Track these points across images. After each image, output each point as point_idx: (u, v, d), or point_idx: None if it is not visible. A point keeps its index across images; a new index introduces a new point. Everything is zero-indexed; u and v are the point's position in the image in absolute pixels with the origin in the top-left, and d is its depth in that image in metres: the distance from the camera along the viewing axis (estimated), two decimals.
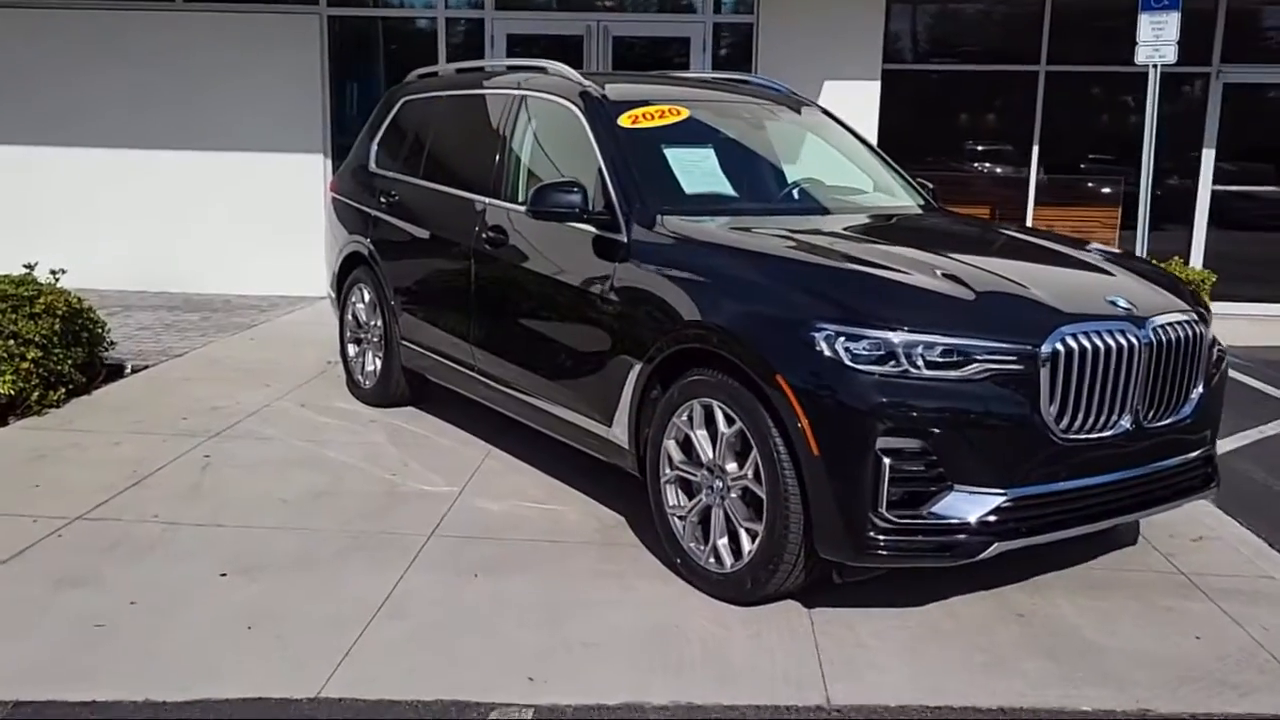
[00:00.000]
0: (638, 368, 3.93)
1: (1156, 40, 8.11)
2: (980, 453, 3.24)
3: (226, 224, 9.57)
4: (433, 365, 5.45)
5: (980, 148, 9.96)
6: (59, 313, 5.97)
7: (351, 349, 6.23)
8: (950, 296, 3.41)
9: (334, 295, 6.46)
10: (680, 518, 3.83)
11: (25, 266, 6.30)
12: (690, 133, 4.65)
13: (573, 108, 4.61)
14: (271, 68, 9.35)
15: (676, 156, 4.47)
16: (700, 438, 3.72)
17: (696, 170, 4.41)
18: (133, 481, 4.74)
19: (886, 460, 3.19)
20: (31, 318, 5.83)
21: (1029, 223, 9.57)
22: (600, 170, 4.33)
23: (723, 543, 3.66)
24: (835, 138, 5.11)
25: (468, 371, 5.10)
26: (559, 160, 4.83)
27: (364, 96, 9.77)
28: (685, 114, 4.63)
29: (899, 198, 4.86)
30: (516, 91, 5.06)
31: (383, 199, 5.83)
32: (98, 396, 6.11)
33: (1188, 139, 9.57)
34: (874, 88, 8.97)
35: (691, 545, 3.78)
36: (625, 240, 4.11)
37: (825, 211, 4.53)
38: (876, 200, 4.80)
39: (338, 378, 6.61)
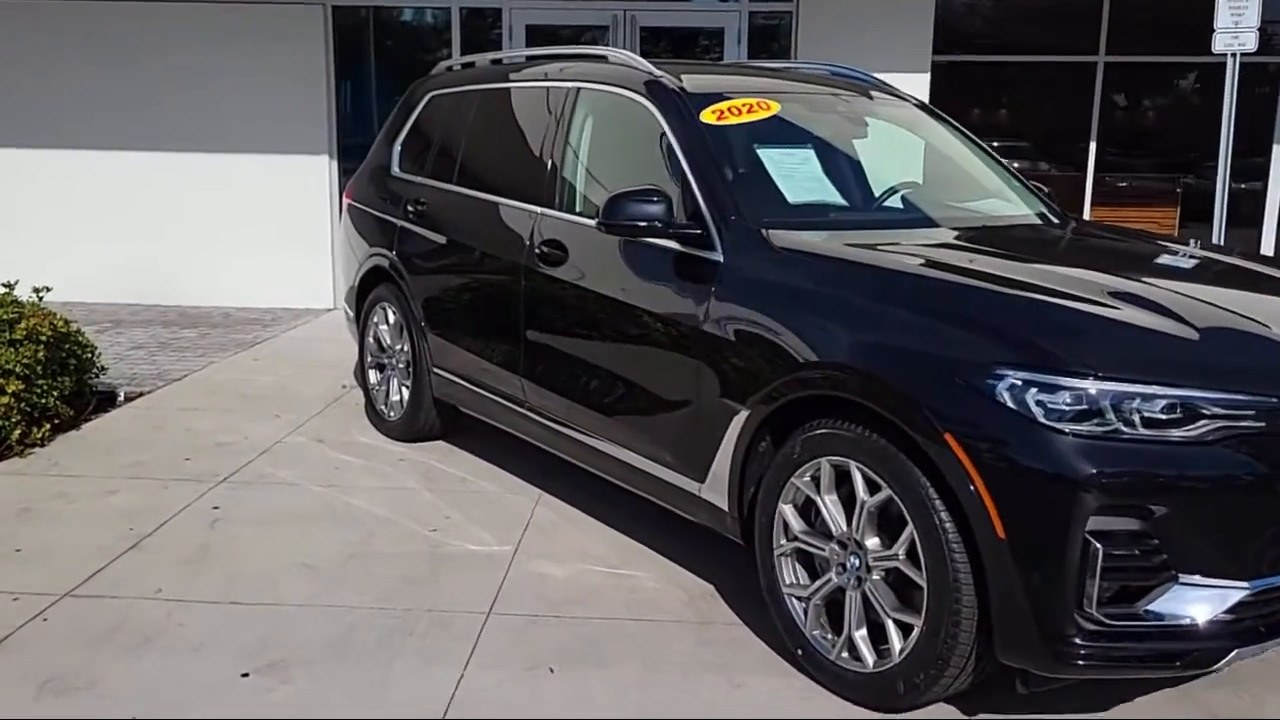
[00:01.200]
0: (741, 415, 3.23)
1: (1236, 27, 7.43)
2: (1214, 534, 2.55)
3: (224, 231, 8.84)
4: (471, 398, 4.75)
5: (1034, 143, 9.29)
6: (43, 338, 5.24)
7: (373, 375, 5.52)
8: (1168, 335, 2.71)
9: (351, 314, 5.75)
10: (800, 599, 3.14)
11: (4, 285, 5.56)
12: (784, 130, 3.95)
13: (643, 102, 3.91)
14: (272, 63, 8.61)
15: (773, 159, 3.77)
16: (829, 505, 3.02)
17: (797, 175, 3.71)
18: (130, 543, 4.02)
19: (1097, 545, 2.50)
20: (12, 344, 5.10)
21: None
22: (684, 176, 3.63)
23: (861, 635, 2.96)
24: (939, 135, 4.42)
25: (516, 407, 4.40)
26: (625, 163, 4.13)
27: (372, 93, 9.05)
28: (776, 108, 3.93)
29: (1018, 205, 4.16)
30: (569, 84, 4.35)
31: (409, 208, 5.12)
32: (88, 432, 5.39)
33: (1257, 134, 8.90)
34: (923, 80, 8.27)
35: (816, 634, 3.09)
36: (720, 259, 3.42)
37: (949, 223, 3.82)
38: (998, 209, 4.11)
39: (355, 405, 5.90)
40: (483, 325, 4.58)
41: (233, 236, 8.83)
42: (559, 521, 4.31)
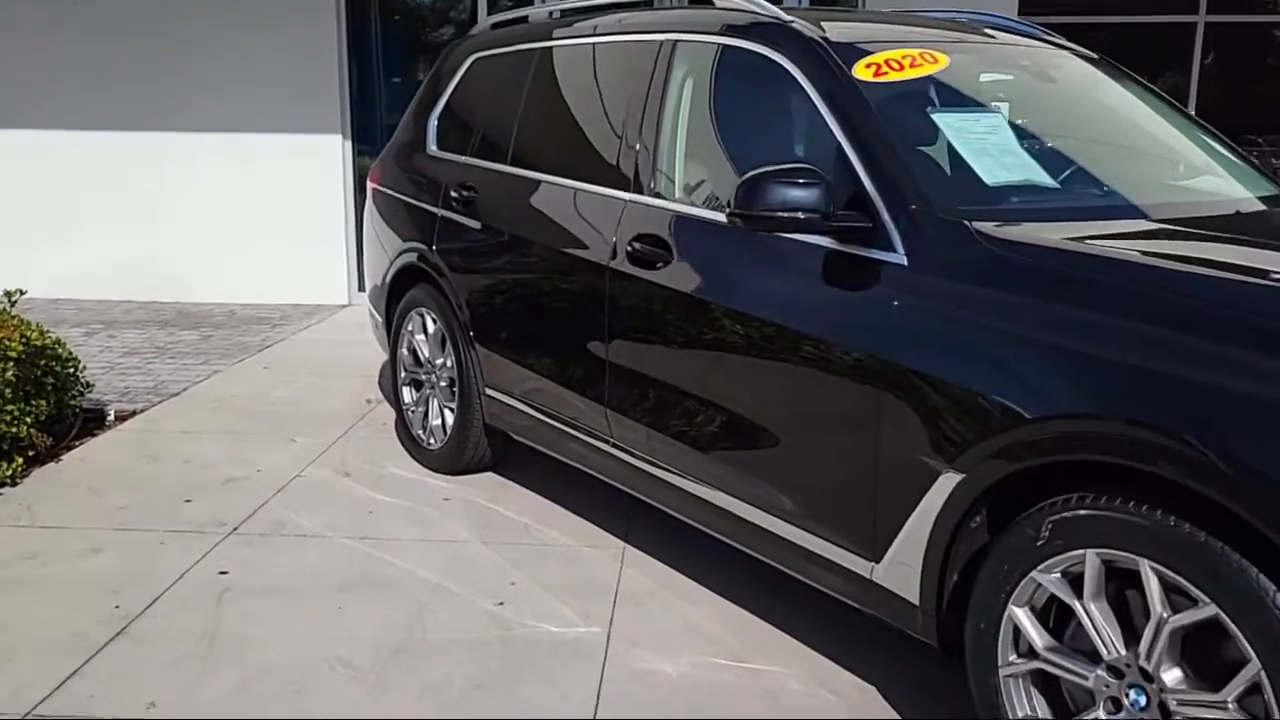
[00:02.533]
0: (947, 479, 2.32)
1: None
2: None
3: (228, 219, 7.90)
4: (534, 427, 3.83)
5: None
6: (12, 354, 4.32)
7: (407, 394, 4.60)
8: None
9: (380, 319, 4.83)
10: None
11: None
12: (959, 90, 3.03)
13: (772, 55, 2.98)
14: (278, 33, 7.65)
15: (955, 126, 2.83)
16: (1095, 614, 2.11)
17: (989, 147, 2.78)
18: (116, 628, 3.11)
19: None
20: None
21: None
22: (840, 150, 2.71)
23: None
24: (1132, 97, 3.47)
25: (597, 443, 3.49)
26: (746, 137, 3.20)
27: (391, 61, 8.09)
28: (944, 61, 2.99)
29: (1244, 184, 3.22)
30: (662, 36, 3.41)
31: (452, 194, 4.18)
32: (68, 466, 4.47)
33: None
34: None
35: None
36: (901, 260, 2.50)
37: (1182, 209, 2.86)
38: (1223, 189, 3.17)
39: (384, 426, 4.98)
40: (551, 340, 3.66)
41: (237, 225, 7.90)
42: (655, 588, 3.40)
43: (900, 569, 2.48)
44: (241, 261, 7.93)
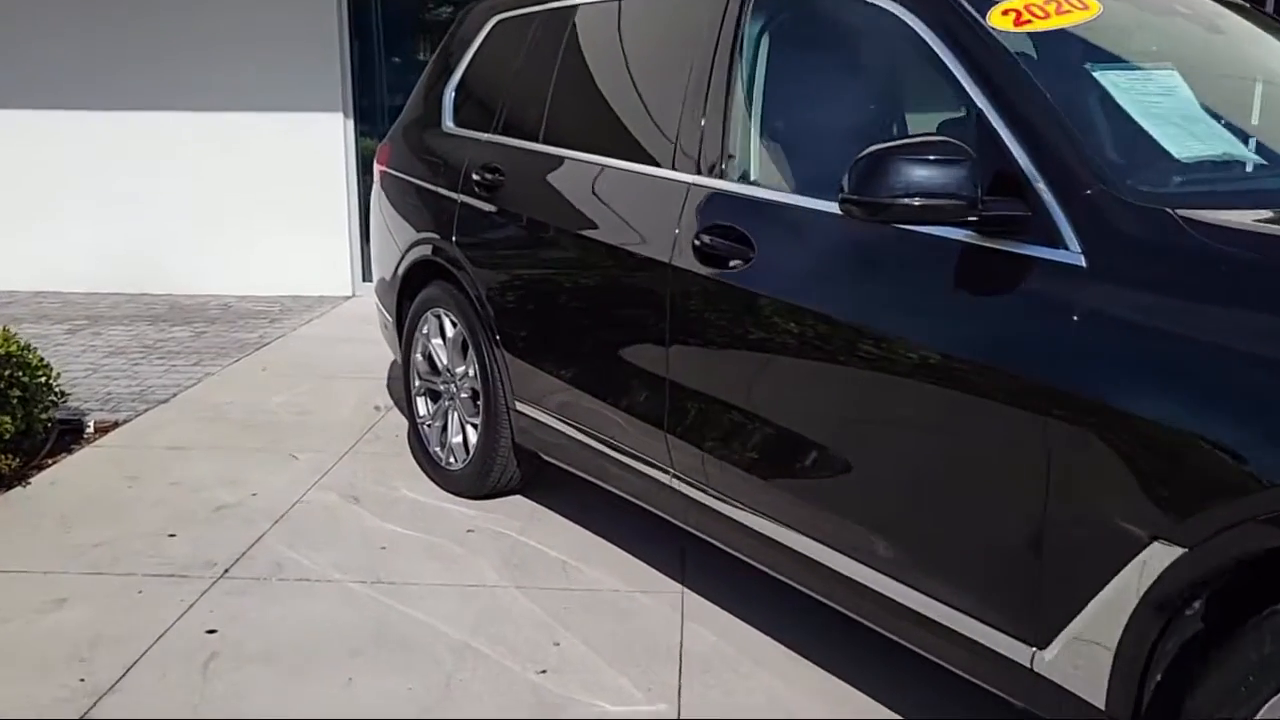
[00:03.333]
0: (1158, 553, 1.73)
1: None
2: None
3: (222, 204, 7.29)
4: (574, 450, 3.25)
5: None
6: None
7: (422, 405, 4.01)
8: None
9: (390, 319, 4.23)
10: None
11: None
12: (1116, 43, 2.43)
13: (879, 1, 2.38)
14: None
15: (1123, 88, 2.23)
16: None
17: (1171, 114, 2.18)
18: (81, 709, 2.54)
19: None
20: None
21: None
22: (980, 118, 2.11)
23: None
24: None
25: (654, 473, 2.90)
26: (845, 103, 2.60)
27: (396, 32, 7.46)
28: (1096, 8, 2.38)
29: None
30: None
31: (475, 177, 3.58)
32: (38, 490, 3.89)
33: None
34: None
35: None
36: (1077, 260, 1.90)
37: None
38: None
39: (396, 438, 4.40)
40: (594, 349, 3.07)
41: (233, 211, 7.29)
42: (726, 649, 2.82)
43: (1078, 661, 1.90)
44: (238, 250, 7.33)
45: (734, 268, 2.54)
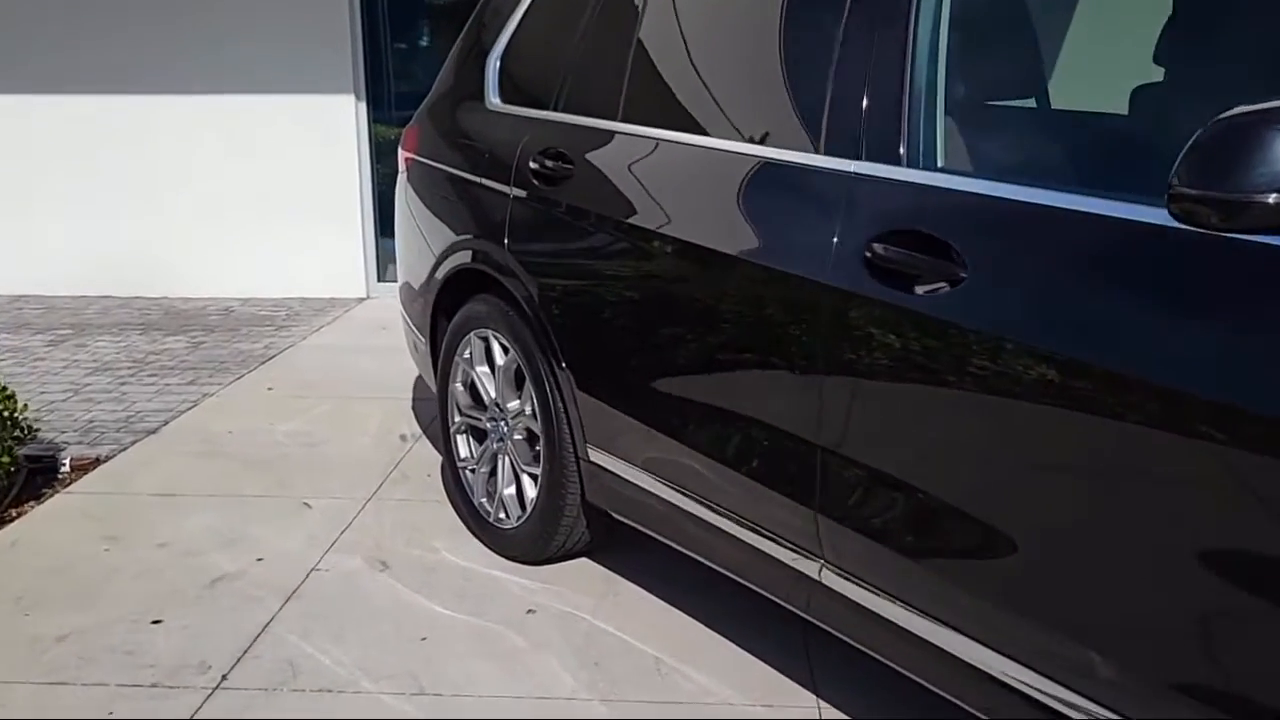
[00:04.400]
0: None
1: None
2: None
3: (221, 197, 6.52)
4: (673, 521, 2.48)
5: None
6: None
7: (464, 445, 3.25)
8: None
9: (419, 337, 3.47)
10: None
11: None
12: None
13: None
14: None
15: None
16: None
17: None
18: None
19: None
20: None
21: None
22: None
23: None
24: None
25: (795, 561, 2.14)
26: (1086, 53, 1.84)
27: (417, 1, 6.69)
28: None
29: None
30: None
31: (534, 166, 2.81)
32: None
33: None
34: None
35: None
36: None
37: None
38: None
39: (428, 478, 3.65)
40: (710, 395, 2.31)
41: (233, 203, 6.52)
42: None
43: None
44: (240, 247, 6.56)
45: (928, 291, 1.78)
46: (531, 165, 2.80)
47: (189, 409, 4.45)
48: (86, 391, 4.70)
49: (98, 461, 3.86)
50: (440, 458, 3.81)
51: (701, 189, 2.33)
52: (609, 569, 3.01)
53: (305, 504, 3.47)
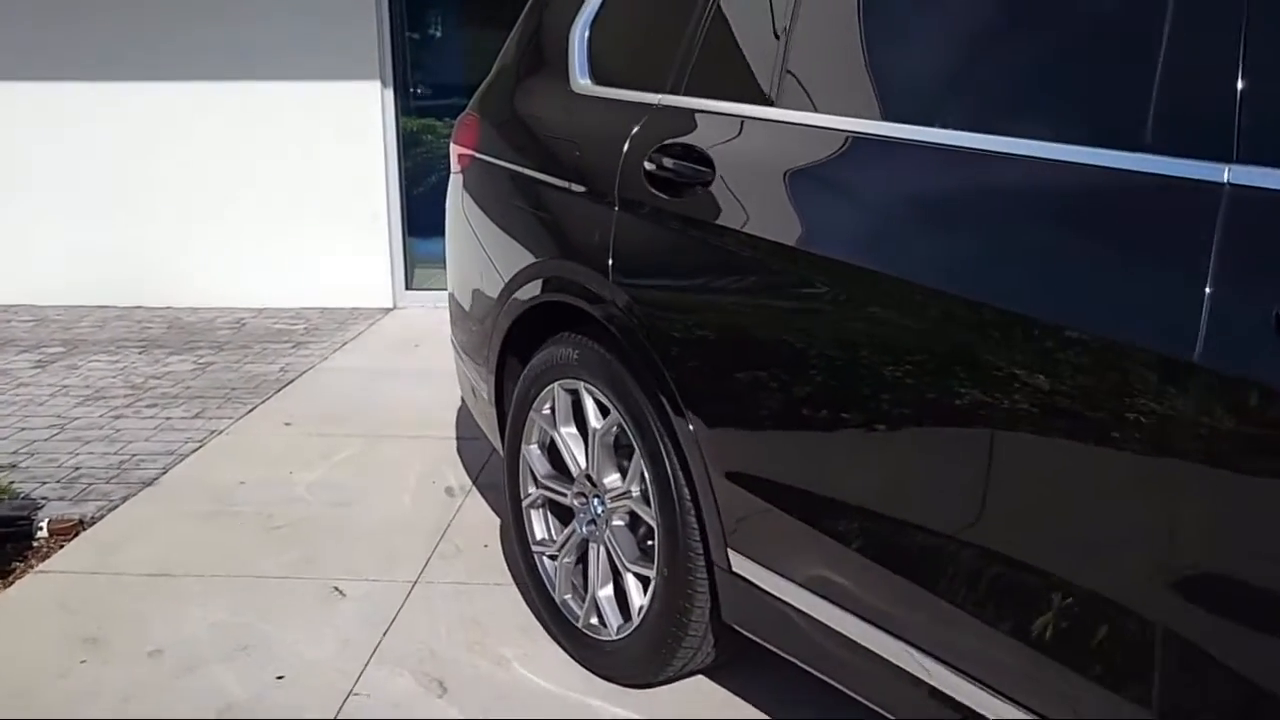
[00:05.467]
0: None
1: None
2: None
3: (231, 196, 5.81)
4: (867, 676, 1.74)
5: None
6: None
7: (540, 523, 2.51)
8: None
9: (480, 383, 2.73)
10: None
11: None
12: None
13: None
14: None
15: None
16: None
17: None
18: None
19: None
20: None
21: None
22: None
23: None
24: None
25: None
26: None
27: None
28: None
29: None
30: None
31: (650, 166, 2.05)
32: None
33: None
34: None
35: None
36: None
37: None
38: None
39: (485, 550, 2.94)
40: (949, 512, 1.56)
41: (244, 202, 5.80)
42: None
43: None
44: (252, 252, 5.84)
45: None
46: (647, 167, 2.06)
47: (193, 451, 3.73)
48: (74, 427, 3.98)
49: (81, 525, 3.14)
50: (499, 520, 3.10)
51: (931, 204, 1.58)
52: (732, 693, 2.28)
53: (336, 589, 2.75)
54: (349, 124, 5.68)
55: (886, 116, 1.68)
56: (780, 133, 1.84)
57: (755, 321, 1.84)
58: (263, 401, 4.27)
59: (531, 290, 2.37)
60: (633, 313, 2.07)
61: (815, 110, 1.81)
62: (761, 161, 1.86)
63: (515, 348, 2.53)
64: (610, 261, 2.12)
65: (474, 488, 3.40)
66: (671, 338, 2.00)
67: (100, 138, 5.74)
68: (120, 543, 3.03)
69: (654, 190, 2.05)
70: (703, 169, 1.95)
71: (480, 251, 2.63)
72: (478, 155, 2.71)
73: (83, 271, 5.84)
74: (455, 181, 2.84)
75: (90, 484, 3.44)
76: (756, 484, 1.87)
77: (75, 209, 5.82)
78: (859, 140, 1.70)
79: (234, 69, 5.58)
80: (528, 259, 2.40)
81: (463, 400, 3.13)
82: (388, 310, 5.83)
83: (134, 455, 3.69)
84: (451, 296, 2.94)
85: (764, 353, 1.83)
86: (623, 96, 2.25)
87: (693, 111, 2.05)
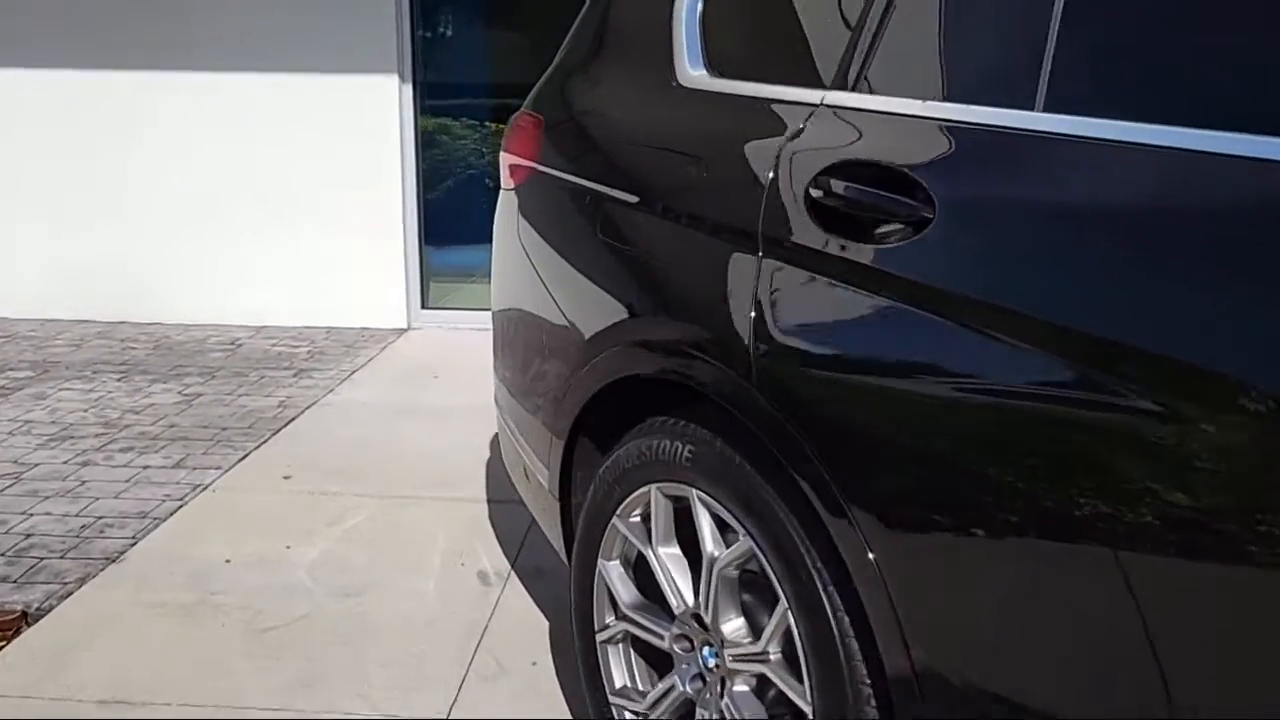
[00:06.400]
0: None
1: None
2: None
3: (227, 201, 5.17)
4: None
5: None
6: None
7: (620, 667, 1.85)
8: None
9: (534, 461, 2.07)
10: None
11: None
12: None
13: None
14: None
15: None
16: None
17: None
18: None
19: None
20: None
21: None
22: None
23: None
24: None
25: None
26: None
27: None
28: None
29: None
30: None
31: (815, 193, 1.39)
32: None
33: None
34: None
35: None
36: None
37: None
38: None
39: (534, 670, 2.28)
40: None
41: (243, 207, 5.17)
42: None
43: None
44: (250, 263, 5.20)
45: None
46: (813, 194, 1.41)
47: (171, 514, 3.08)
48: (33, 477, 3.34)
49: (24, 619, 2.49)
50: (546, 621, 2.46)
51: None
52: None
53: None
54: (362, 123, 5.04)
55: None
56: (1059, 154, 1.18)
57: (1013, 440, 1.18)
58: (258, 446, 3.62)
59: (623, 358, 1.72)
60: (787, 402, 1.41)
61: (1129, 118, 1.14)
62: (1025, 199, 1.20)
63: (592, 425, 1.88)
64: (750, 328, 1.47)
65: (512, 571, 2.76)
66: (852, 446, 1.35)
67: (85, 134, 5.10)
68: (69, 648, 2.37)
69: (822, 228, 1.39)
70: (908, 201, 1.29)
71: (544, 296, 1.98)
72: (539, 168, 2.07)
73: (59, 282, 5.20)
74: (507, 201, 2.19)
75: (42, 559, 2.79)
76: (981, 671, 1.22)
77: (51, 211, 5.17)
78: (1211, 166, 1.04)
79: (239, 60, 4.93)
80: (617, 314, 1.75)
81: (493, 447, 2.49)
82: (401, 331, 5.18)
83: (99, 518, 3.04)
84: (498, 345, 2.29)
85: (1011, 489, 1.18)
86: (763, 93, 1.60)
87: (884, 116, 1.40)
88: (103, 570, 2.73)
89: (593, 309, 1.81)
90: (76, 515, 3.05)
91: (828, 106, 1.47)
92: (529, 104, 2.21)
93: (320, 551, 2.85)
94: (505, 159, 2.22)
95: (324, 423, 3.90)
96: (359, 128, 5.04)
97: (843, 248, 1.36)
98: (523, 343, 2.09)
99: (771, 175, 1.48)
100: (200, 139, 5.07)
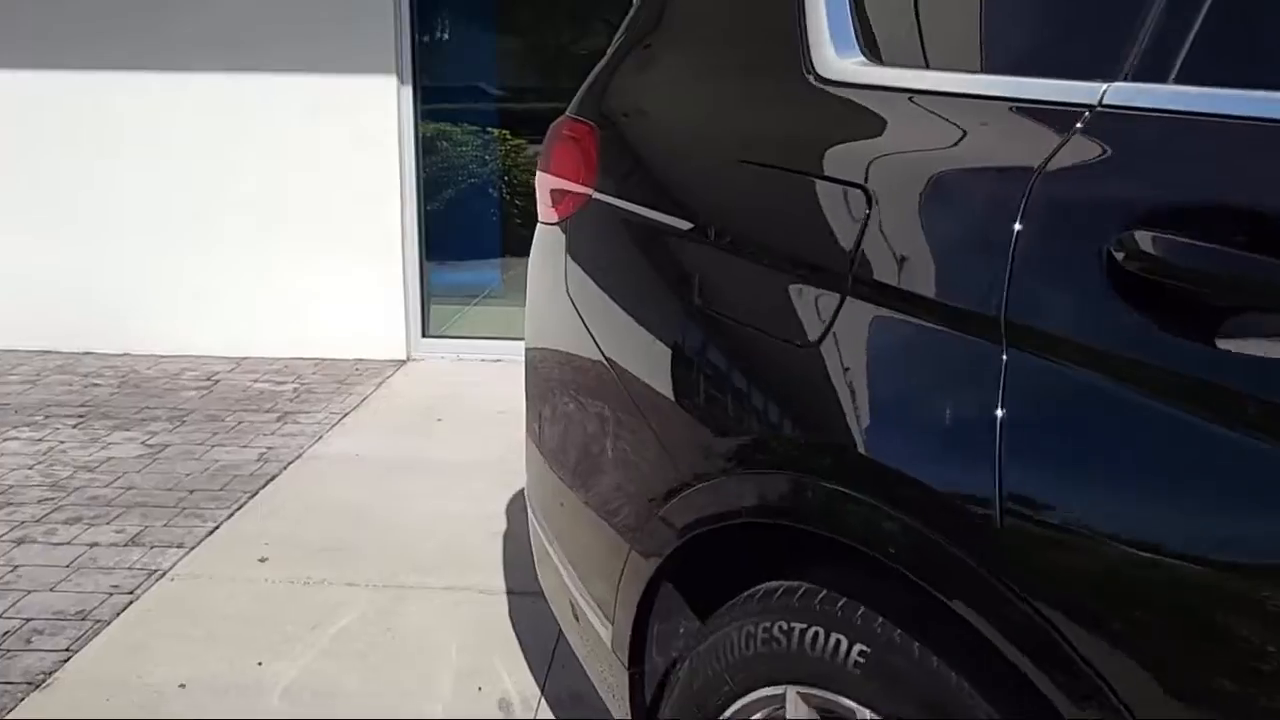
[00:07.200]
0: None
1: None
2: None
3: (203, 219, 4.57)
4: None
5: None
6: None
7: None
8: None
9: (595, 612, 1.47)
10: None
11: None
12: None
13: None
14: None
15: None
16: None
17: None
18: None
19: None
20: None
21: None
22: None
23: None
24: None
25: None
26: None
27: None
28: None
29: None
30: None
31: (1119, 255, 0.81)
32: None
33: None
34: None
35: None
36: None
37: None
38: None
39: None
40: None
41: (220, 229, 4.57)
42: None
43: None
44: (230, 287, 4.61)
45: None
46: (1116, 256, 0.81)
47: (119, 612, 2.48)
48: None
49: None
50: None
51: None
52: None
53: None
54: (356, 129, 4.45)
55: None
56: None
57: None
58: (230, 515, 3.02)
59: (746, 493, 1.12)
60: (1062, 602, 0.82)
61: None
62: None
63: (679, 575, 1.28)
64: (995, 475, 0.87)
65: (542, 698, 2.16)
66: (1177, 679, 0.75)
67: (45, 140, 4.50)
68: None
69: (1134, 308, 0.80)
70: None
71: (610, 381, 1.38)
72: (597, 195, 1.47)
73: (18, 308, 4.60)
74: (549, 239, 1.60)
75: None
76: None
77: (12, 226, 4.58)
78: None
79: (221, 61, 4.34)
80: (731, 428, 1.15)
81: (510, 516, 1.90)
82: (400, 363, 4.59)
83: (27, 621, 2.44)
84: (540, 428, 1.69)
85: None
86: (978, 87, 1.00)
87: (1233, 124, 0.80)
88: (20, 702, 2.12)
89: (688, 415, 1.21)
90: (21, 637, 2.44)
91: (1112, 110, 0.88)
92: (575, 108, 1.62)
93: (300, 670, 2.25)
94: (545, 182, 1.62)
95: (310, 482, 3.30)
96: (353, 133, 4.45)
97: (1174, 337, 0.77)
98: (574, 439, 1.49)
99: (1019, 226, 0.89)
100: (175, 147, 4.48)
